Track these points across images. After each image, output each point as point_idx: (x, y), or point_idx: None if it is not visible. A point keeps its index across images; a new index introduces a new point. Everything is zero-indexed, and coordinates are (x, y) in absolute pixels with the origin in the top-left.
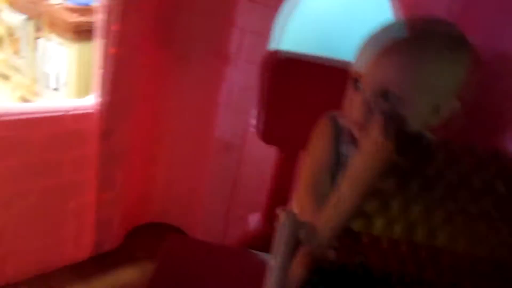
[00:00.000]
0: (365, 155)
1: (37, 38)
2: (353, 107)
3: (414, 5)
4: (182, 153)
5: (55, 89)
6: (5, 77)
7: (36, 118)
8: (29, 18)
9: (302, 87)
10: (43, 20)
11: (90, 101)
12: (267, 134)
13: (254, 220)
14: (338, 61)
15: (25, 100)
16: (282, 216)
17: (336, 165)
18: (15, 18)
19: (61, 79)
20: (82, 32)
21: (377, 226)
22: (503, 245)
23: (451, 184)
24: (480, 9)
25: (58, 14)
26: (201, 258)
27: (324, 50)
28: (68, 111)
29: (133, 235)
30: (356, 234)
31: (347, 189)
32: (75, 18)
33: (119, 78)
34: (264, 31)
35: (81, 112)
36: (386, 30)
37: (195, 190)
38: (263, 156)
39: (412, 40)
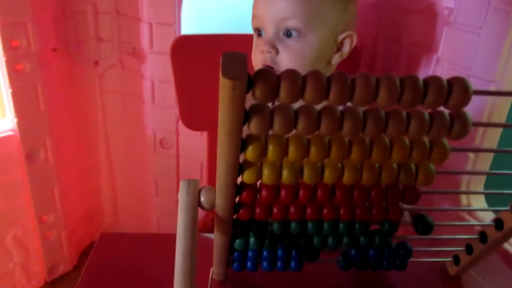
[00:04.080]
0: (221, 101)
1: None
2: (256, 54)
3: None
4: (121, 158)
5: None
6: None
7: None
8: None
9: (210, 65)
10: None
11: (7, 123)
12: (190, 120)
13: None
14: (242, 34)
15: None
16: (181, 184)
17: None
18: None
19: None
20: None
21: (266, 174)
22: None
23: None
24: None
25: None
26: (135, 249)
27: (233, 28)
28: None
29: (89, 253)
30: (250, 187)
31: (219, 139)
32: None
33: (31, 94)
34: (170, 20)
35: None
36: None
37: (143, 192)
38: (199, 144)
39: None
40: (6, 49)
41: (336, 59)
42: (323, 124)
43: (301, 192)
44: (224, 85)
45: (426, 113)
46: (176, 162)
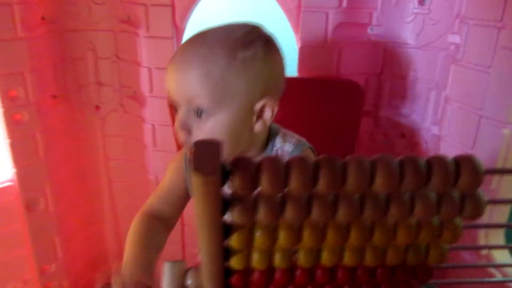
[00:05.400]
0: (194, 195)
1: None
2: (175, 129)
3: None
4: (125, 202)
5: None
6: None
7: None
8: None
9: None
10: None
11: (6, 174)
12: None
13: None
14: None
15: None
16: (165, 266)
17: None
18: None
19: None
20: None
21: (255, 259)
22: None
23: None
24: None
25: None
26: None
27: None
28: None
29: None
30: (241, 271)
31: (198, 230)
32: None
33: (30, 144)
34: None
35: None
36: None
37: None
38: None
39: (194, 46)
40: (3, 100)
41: (259, 127)
42: (314, 212)
43: (298, 273)
44: (196, 180)
45: (432, 194)
46: None
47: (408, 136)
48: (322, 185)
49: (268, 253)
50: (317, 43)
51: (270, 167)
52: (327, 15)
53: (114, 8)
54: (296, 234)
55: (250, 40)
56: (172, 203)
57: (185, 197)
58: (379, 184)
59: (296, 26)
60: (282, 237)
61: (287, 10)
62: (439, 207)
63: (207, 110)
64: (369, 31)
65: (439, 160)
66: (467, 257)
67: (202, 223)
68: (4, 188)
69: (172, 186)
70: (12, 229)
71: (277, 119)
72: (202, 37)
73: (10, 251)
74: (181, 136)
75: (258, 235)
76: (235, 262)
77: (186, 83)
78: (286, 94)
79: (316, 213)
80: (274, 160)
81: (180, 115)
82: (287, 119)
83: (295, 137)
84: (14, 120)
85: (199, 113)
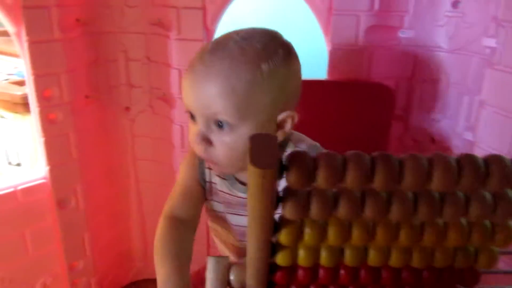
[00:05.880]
0: (249, 189)
1: None
2: (192, 138)
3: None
4: (152, 202)
5: (18, 165)
6: None
7: None
8: None
9: None
10: None
11: (40, 171)
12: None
13: None
14: None
15: None
16: (209, 261)
17: (206, 191)
18: None
19: (22, 153)
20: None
21: (302, 256)
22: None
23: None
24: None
25: (5, 90)
26: None
27: None
28: (17, 185)
29: None
30: (285, 268)
31: (249, 224)
32: (23, 91)
33: (63, 142)
34: None
35: (32, 184)
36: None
37: None
38: None
39: (216, 59)
40: (39, 100)
41: (279, 137)
42: (367, 209)
43: (342, 272)
44: (252, 173)
45: (488, 194)
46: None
47: (439, 141)
48: (378, 181)
49: (316, 251)
50: (348, 46)
51: (327, 162)
52: (358, 18)
53: (146, 11)
54: (346, 232)
55: (272, 50)
56: (190, 203)
57: (201, 196)
58: (436, 182)
59: (326, 29)
60: (332, 234)
61: (317, 13)
62: (494, 208)
63: (230, 124)
64: (400, 34)
65: (497, 158)
66: (500, 264)
67: (254, 216)
68: (37, 186)
69: (188, 186)
70: (44, 226)
71: (307, 122)
72: (223, 49)
73: (41, 247)
74: (199, 148)
75: (308, 231)
76: (281, 259)
77: (209, 98)
78: (316, 97)
79: (369, 210)
80: (331, 155)
81: (200, 127)
82: (317, 122)
83: (307, 141)
84: (48, 119)
85: (220, 124)
